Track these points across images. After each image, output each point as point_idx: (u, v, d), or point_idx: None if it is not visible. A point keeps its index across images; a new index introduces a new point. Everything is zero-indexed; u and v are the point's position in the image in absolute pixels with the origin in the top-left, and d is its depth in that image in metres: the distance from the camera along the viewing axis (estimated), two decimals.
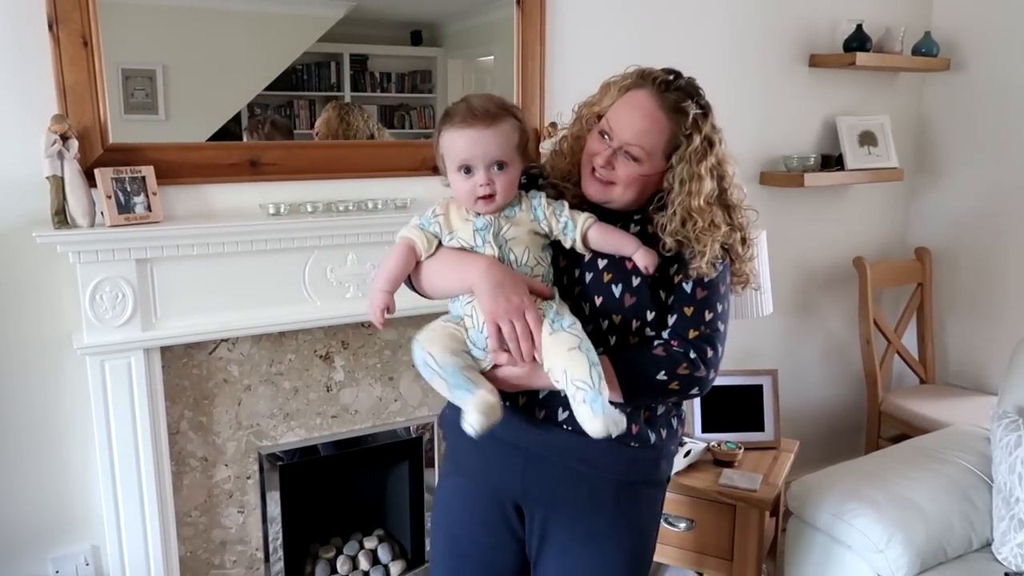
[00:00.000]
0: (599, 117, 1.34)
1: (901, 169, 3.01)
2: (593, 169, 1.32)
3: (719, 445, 2.10)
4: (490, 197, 1.26)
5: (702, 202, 1.29)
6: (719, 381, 2.22)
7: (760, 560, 1.99)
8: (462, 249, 1.31)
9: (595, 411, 1.16)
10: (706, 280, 1.33)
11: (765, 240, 2.32)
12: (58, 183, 1.69)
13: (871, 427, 3.01)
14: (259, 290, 1.94)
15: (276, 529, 2.14)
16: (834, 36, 2.87)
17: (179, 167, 1.89)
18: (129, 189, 1.78)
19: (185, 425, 2.00)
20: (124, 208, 1.77)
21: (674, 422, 1.41)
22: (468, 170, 1.26)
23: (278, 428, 2.11)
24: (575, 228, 1.29)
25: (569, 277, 1.35)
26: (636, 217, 1.37)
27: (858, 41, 2.78)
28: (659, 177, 1.33)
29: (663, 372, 1.29)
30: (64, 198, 1.70)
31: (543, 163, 1.46)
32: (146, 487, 1.89)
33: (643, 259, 1.29)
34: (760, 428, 2.23)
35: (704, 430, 2.23)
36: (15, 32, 1.70)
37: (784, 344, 3.05)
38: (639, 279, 1.31)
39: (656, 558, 2.10)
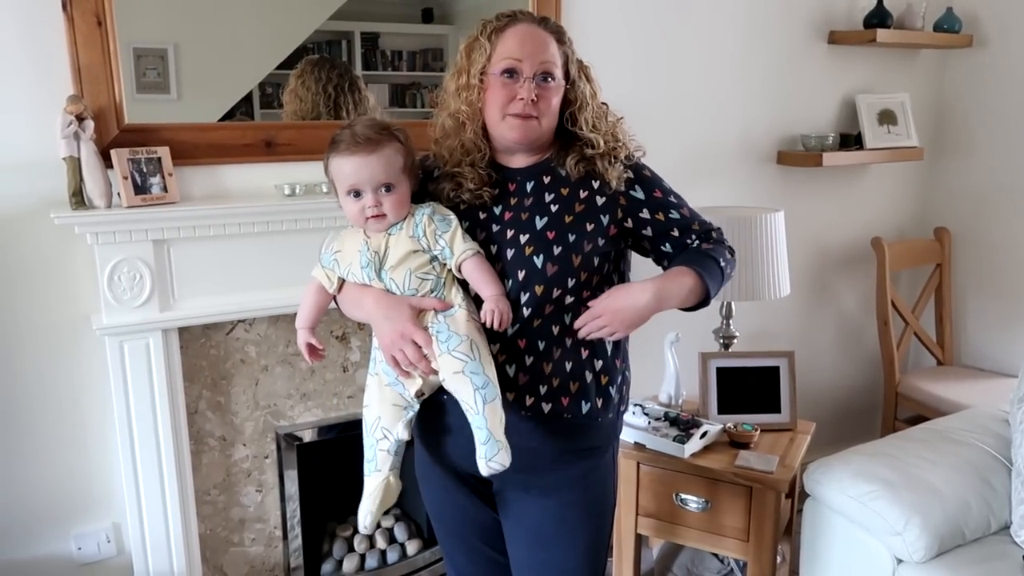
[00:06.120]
0: (483, 74, 1.35)
1: (921, 148, 2.97)
2: (508, 115, 1.34)
3: (735, 427, 2.10)
4: (380, 216, 1.33)
5: (603, 106, 1.43)
6: (735, 363, 2.25)
7: (776, 541, 1.99)
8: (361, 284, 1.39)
9: (478, 437, 1.25)
10: (647, 179, 1.42)
11: (782, 220, 2.30)
12: (75, 164, 1.70)
13: (888, 409, 3.00)
14: (275, 271, 1.94)
15: (294, 507, 2.16)
16: (853, 12, 2.82)
17: (194, 148, 1.89)
18: (145, 170, 1.78)
19: (203, 405, 2.01)
20: (140, 189, 1.77)
21: (611, 390, 1.43)
22: (357, 194, 1.33)
23: (295, 408, 2.13)
24: (452, 257, 1.33)
25: (488, 255, 1.37)
26: (551, 165, 1.41)
27: (878, 17, 2.73)
28: (560, 101, 1.38)
29: (720, 260, 1.39)
30: (81, 179, 1.71)
31: (432, 155, 1.46)
32: (166, 466, 1.91)
33: (493, 304, 1.30)
34: (776, 410, 2.22)
35: (720, 411, 2.22)
36: (29, 12, 1.70)
37: (800, 325, 3.03)
38: (560, 247, 1.34)
39: (672, 539, 2.12)
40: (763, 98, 2.72)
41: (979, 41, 3.00)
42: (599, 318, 1.31)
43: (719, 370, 2.24)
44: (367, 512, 1.38)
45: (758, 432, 2.10)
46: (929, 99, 3.13)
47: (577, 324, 1.33)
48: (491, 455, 1.24)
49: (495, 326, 1.30)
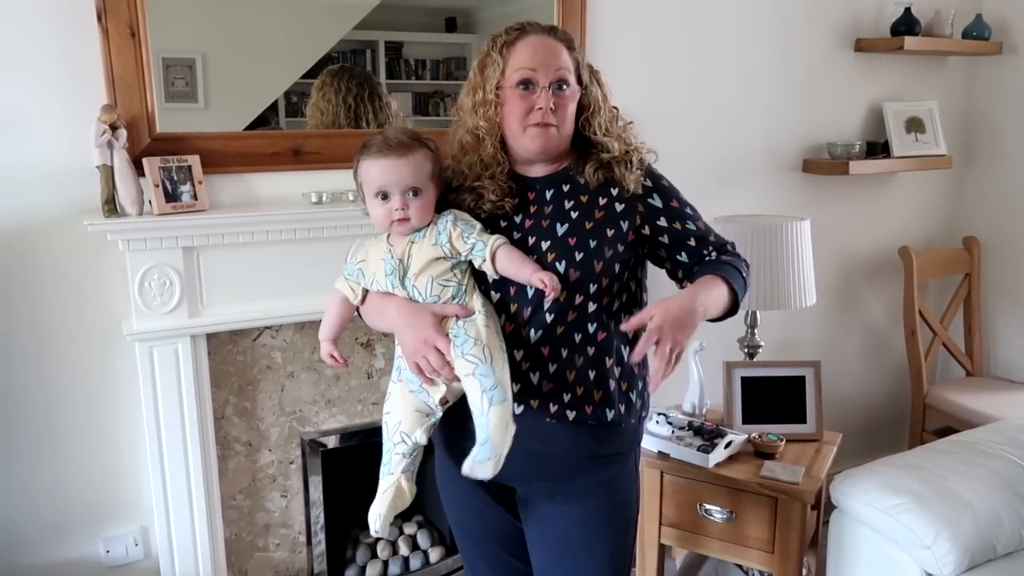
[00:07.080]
0: (498, 88, 1.35)
1: (949, 156, 2.94)
2: (528, 126, 1.34)
3: (760, 436, 2.08)
4: (405, 220, 1.34)
5: (614, 110, 1.43)
6: (760, 372, 2.23)
7: (802, 553, 1.97)
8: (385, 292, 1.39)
9: (478, 436, 1.25)
10: (664, 189, 1.42)
11: (808, 229, 2.28)
12: (108, 172, 1.73)
13: (915, 420, 2.96)
14: (302, 278, 1.96)
15: (318, 513, 2.18)
16: (881, 20, 2.80)
17: (223, 156, 1.92)
18: (176, 178, 1.81)
19: (230, 410, 2.03)
20: (171, 197, 1.80)
21: (632, 396, 1.43)
22: (385, 196, 1.34)
23: (320, 414, 2.14)
24: (485, 247, 1.32)
25: None
26: (570, 174, 1.41)
27: (906, 25, 2.71)
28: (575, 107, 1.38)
29: (741, 271, 1.40)
30: (114, 187, 1.74)
31: (451, 168, 1.45)
32: (193, 470, 1.93)
33: (541, 274, 1.29)
34: (802, 420, 2.20)
35: (745, 421, 2.20)
36: (65, 24, 1.73)
37: (826, 335, 3.00)
38: (582, 253, 1.34)
39: (697, 550, 2.10)
40: (789, 106, 2.71)
41: (1009, 48, 2.96)
42: (663, 337, 1.19)
43: (744, 379, 2.23)
44: (376, 515, 1.39)
45: (783, 442, 2.08)
46: (957, 107, 3.09)
47: (635, 358, 1.26)
48: (480, 458, 1.23)
49: (548, 291, 1.28)
